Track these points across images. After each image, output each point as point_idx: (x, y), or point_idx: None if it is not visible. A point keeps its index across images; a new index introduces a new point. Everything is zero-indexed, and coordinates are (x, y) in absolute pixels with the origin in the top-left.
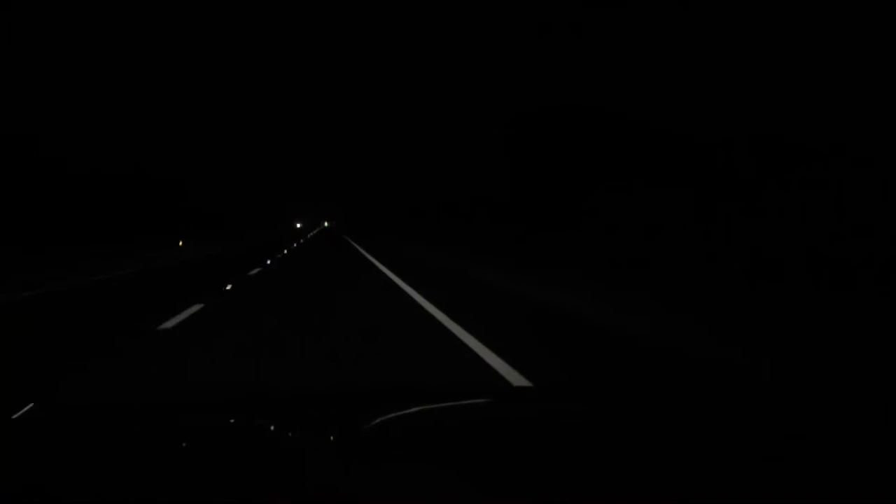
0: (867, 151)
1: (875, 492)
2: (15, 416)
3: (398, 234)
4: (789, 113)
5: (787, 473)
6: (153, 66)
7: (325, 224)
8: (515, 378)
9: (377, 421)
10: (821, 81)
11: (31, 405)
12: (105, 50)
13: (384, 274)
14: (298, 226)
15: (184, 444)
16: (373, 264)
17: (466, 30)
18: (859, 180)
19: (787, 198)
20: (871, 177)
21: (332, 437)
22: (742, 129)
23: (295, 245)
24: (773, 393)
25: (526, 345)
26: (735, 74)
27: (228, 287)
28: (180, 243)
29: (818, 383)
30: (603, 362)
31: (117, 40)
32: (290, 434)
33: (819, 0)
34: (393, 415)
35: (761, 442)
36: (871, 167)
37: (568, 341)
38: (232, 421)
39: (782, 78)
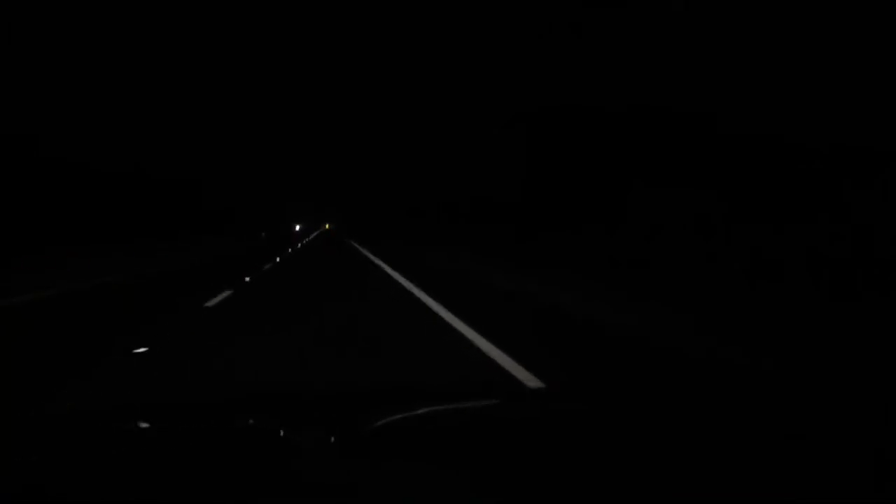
0: (867, 151)
1: (875, 491)
2: (18, 418)
3: (405, 238)
4: (791, 113)
5: (787, 473)
6: (153, 66)
7: (327, 226)
8: None
9: (382, 421)
10: (822, 81)
11: (35, 407)
12: (105, 50)
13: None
14: (298, 228)
15: (185, 445)
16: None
17: (466, 30)
18: (859, 180)
19: (788, 197)
20: (872, 176)
21: (334, 438)
22: (743, 128)
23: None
24: (773, 393)
25: None
26: (737, 73)
27: None
28: None
29: (818, 383)
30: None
31: (117, 40)
32: (292, 435)
33: (821, 1)
34: (399, 416)
35: (763, 442)
36: (871, 167)
37: None
38: (234, 422)
39: (784, 77)
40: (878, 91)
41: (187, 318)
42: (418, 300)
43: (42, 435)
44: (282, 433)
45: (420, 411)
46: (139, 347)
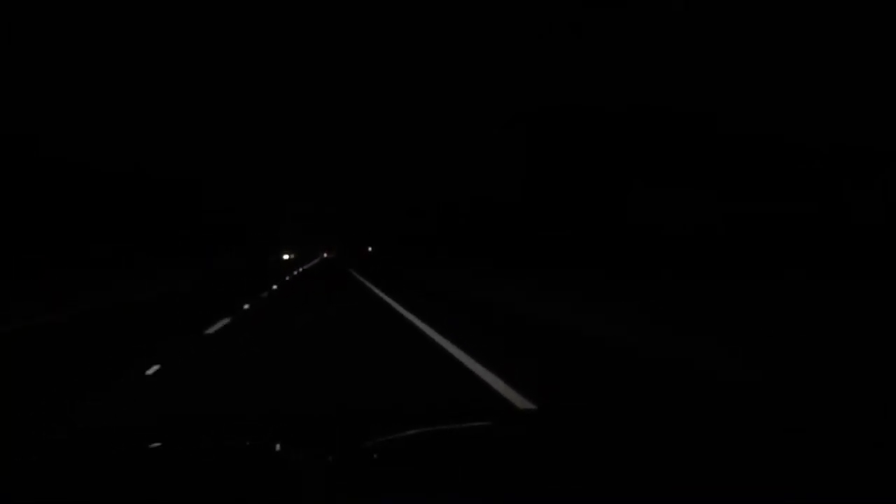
0: (867, 151)
1: (873, 482)
2: (28, 439)
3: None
4: (791, 113)
5: (788, 465)
6: (153, 65)
7: (325, 255)
8: None
9: (377, 441)
10: (821, 81)
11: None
12: (105, 49)
13: None
14: (286, 257)
15: (184, 464)
16: None
17: (466, 30)
18: (859, 180)
19: (788, 197)
20: (871, 176)
21: (330, 458)
22: (743, 128)
23: None
24: (773, 391)
25: None
26: (737, 73)
27: None
28: None
29: (817, 382)
30: None
31: (117, 40)
32: (289, 454)
33: (820, 3)
34: (393, 436)
35: (766, 437)
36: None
37: None
38: (232, 441)
39: (784, 77)
40: (878, 91)
41: None
42: None
43: (44, 453)
44: (278, 452)
45: (412, 432)
46: None
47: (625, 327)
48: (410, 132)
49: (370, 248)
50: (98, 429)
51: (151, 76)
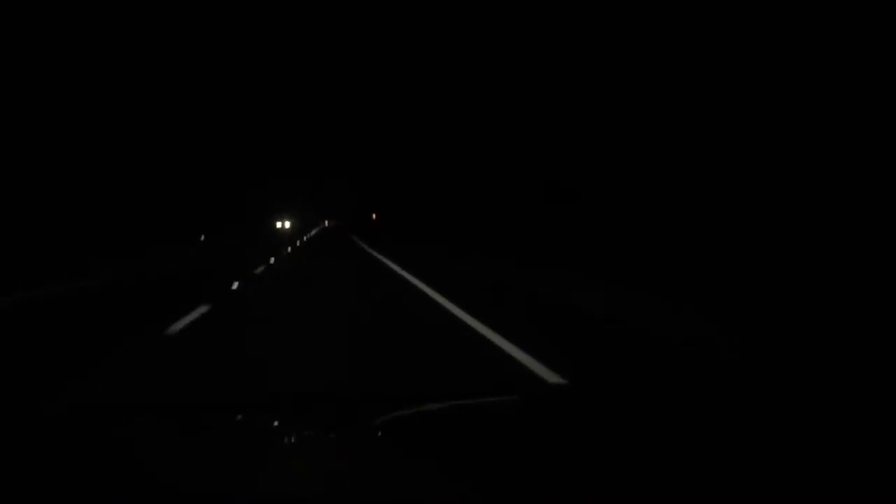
0: (866, 151)
1: (871, 474)
2: (22, 416)
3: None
4: (789, 113)
5: (789, 459)
6: (151, 63)
7: (327, 223)
8: None
9: (390, 416)
10: (821, 81)
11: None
12: (101, 48)
13: None
14: (280, 225)
15: (185, 441)
16: None
17: (466, 28)
18: (859, 180)
19: (787, 197)
20: (871, 176)
21: (337, 434)
22: (743, 128)
23: None
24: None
25: None
26: (736, 73)
27: None
28: None
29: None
30: None
31: (113, 38)
32: (299, 432)
33: (816, 7)
34: (410, 410)
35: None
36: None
37: None
38: (234, 418)
39: (784, 77)
40: (878, 91)
41: None
42: None
43: (40, 432)
44: (282, 429)
45: (439, 406)
46: None
47: None
48: (411, 125)
49: (374, 216)
50: (94, 406)
51: (150, 73)
